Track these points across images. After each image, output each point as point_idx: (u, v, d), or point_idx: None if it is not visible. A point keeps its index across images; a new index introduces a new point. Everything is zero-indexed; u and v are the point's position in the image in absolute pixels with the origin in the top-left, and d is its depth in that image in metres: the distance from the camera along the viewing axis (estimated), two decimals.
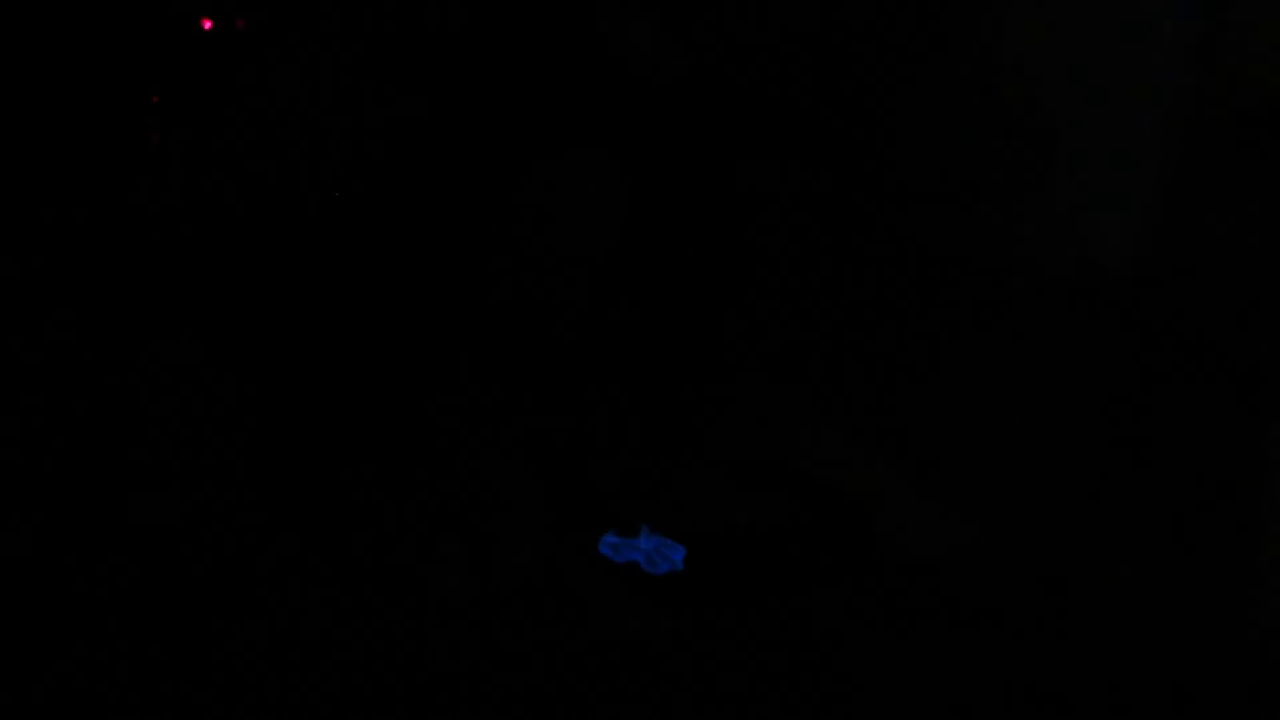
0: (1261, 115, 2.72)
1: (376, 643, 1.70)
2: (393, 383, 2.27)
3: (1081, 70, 2.92)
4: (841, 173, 3.25)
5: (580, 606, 1.78)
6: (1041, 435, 2.34)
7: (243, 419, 2.19)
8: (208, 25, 2.67)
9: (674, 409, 2.09)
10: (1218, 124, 2.78)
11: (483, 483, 2.00)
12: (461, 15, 2.21)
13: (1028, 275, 2.93)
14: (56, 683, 1.60)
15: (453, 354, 2.25)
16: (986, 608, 1.87)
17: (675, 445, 2.09)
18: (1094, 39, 2.91)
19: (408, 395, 2.23)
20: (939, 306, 2.83)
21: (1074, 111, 2.94)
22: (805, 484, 2.08)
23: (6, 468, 2.03)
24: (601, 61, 2.07)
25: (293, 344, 2.43)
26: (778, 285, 2.81)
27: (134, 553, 1.84)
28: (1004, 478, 2.18)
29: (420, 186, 2.25)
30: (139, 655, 1.66)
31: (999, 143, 3.02)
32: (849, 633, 1.80)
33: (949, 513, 2.05)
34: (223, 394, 2.27)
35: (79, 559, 1.83)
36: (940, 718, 1.65)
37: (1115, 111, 2.89)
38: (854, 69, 3.24)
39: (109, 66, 2.65)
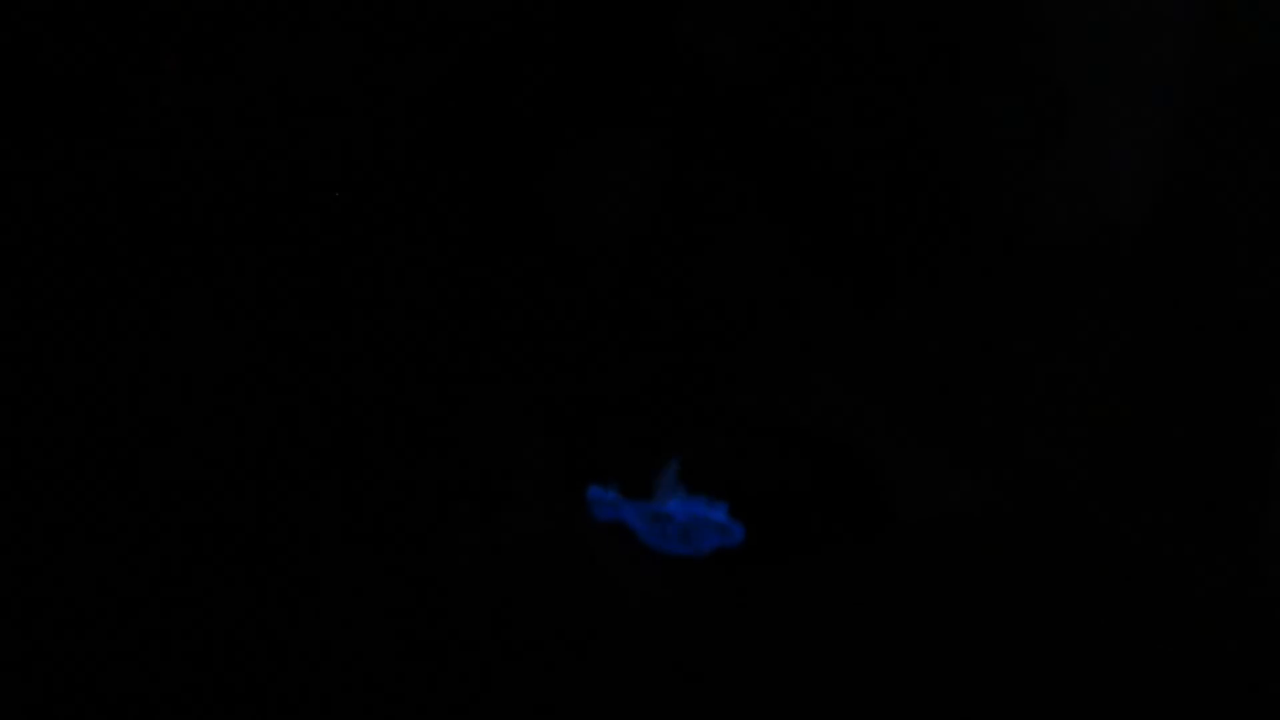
0: (1275, 73, 2.69)
1: (387, 609, 1.71)
2: (405, 349, 2.28)
3: (1093, 28, 2.90)
4: (853, 135, 3.24)
5: (592, 572, 1.80)
6: (1055, 396, 2.34)
7: (255, 383, 2.21)
8: None
9: (687, 367, 2.09)
10: (1231, 81, 2.75)
11: (493, 447, 2.01)
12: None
13: (1041, 235, 2.92)
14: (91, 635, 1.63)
15: (468, 318, 2.26)
16: (996, 569, 1.87)
17: (688, 404, 2.10)
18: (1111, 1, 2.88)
19: (420, 361, 2.24)
20: (951, 266, 2.82)
21: (1086, 70, 2.92)
22: (813, 444, 2.09)
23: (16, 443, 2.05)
24: (677, 59, 2.08)
25: (306, 307, 2.44)
26: (788, 243, 2.81)
27: (148, 513, 1.86)
28: (1016, 439, 2.18)
29: (442, 153, 2.25)
30: (152, 614, 1.68)
31: (1011, 102, 3.00)
32: (858, 595, 1.80)
33: (959, 474, 2.05)
34: (234, 359, 2.29)
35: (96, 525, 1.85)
36: (949, 682, 1.66)
37: (1127, 69, 2.87)
38: (865, 35, 3.22)
39: (126, 28, 2.65)
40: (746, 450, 2.01)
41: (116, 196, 2.62)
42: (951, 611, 1.76)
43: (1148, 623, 1.75)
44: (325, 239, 2.61)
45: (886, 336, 2.51)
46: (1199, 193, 2.84)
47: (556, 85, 2.03)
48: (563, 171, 2.05)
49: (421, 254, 2.34)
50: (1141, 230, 2.93)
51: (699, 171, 2.25)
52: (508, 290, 2.19)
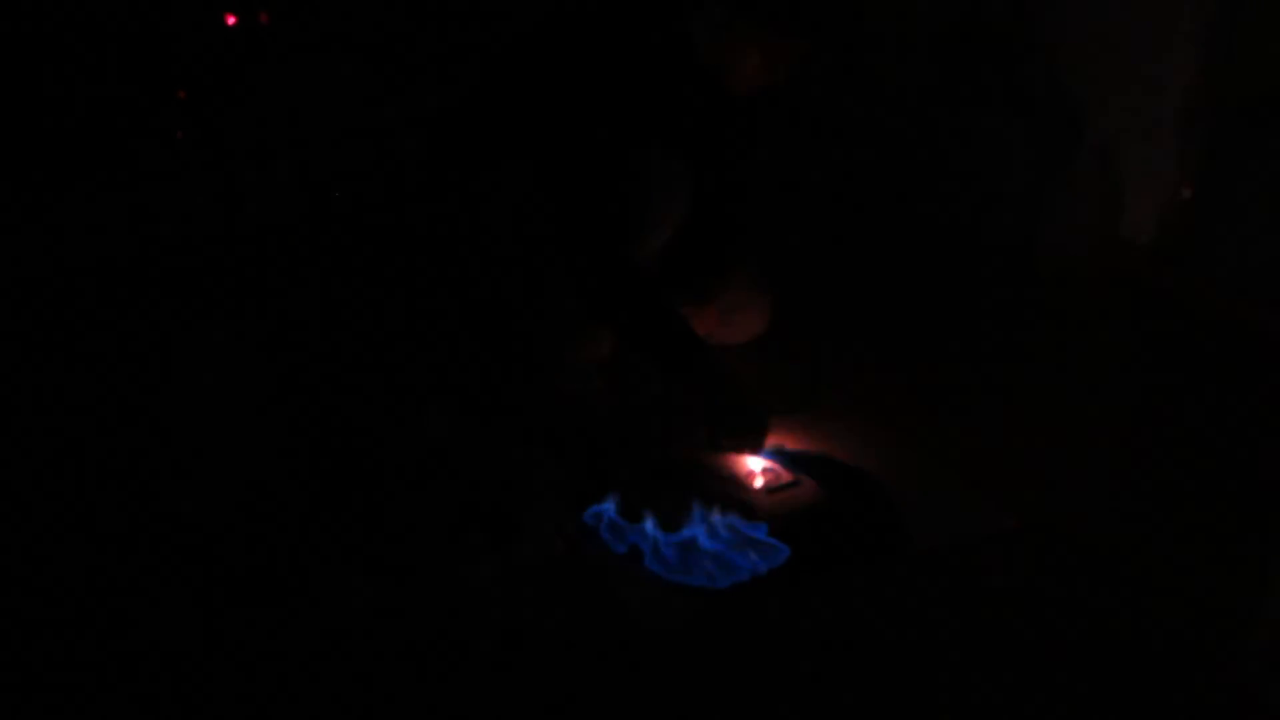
0: None
1: (401, 629, 1.71)
2: (416, 373, 2.29)
3: (1105, 55, 2.91)
4: (869, 161, 3.26)
5: (601, 593, 1.79)
6: (1068, 418, 2.34)
7: (269, 409, 2.21)
8: (232, 20, 2.70)
9: (700, 393, 2.09)
10: (1239, 105, 2.76)
11: (505, 471, 2.01)
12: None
13: (1054, 260, 2.93)
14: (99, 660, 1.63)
15: (477, 345, 2.26)
16: (1010, 594, 1.87)
17: (700, 431, 2.10)
18: (1116, 24, 2.89)
19: (431, 385, 2.25)
20: (966, 291, 2.83)
21: (1098, 96, 2.93)
22: (831, 471, 2.08)
23: (33, 462, 2.06)
24: (693, 70, 2.10)
25: (319, 335, 2.45)
26: (805, 271, 2.82)
27: (166, 538, 1.87)
28: (1030, 463, 2.18)
29: (437, 181, 2.26)
30: (171, 633, 1.69)
31: (1024, 129, 3.01)
32: (873, 619, 1.80)
33: (973, 499, 2.05)
34: (249, 385, 2.29)
35: (109, 549, 1.86)
36: (962, 703, 1.65)
37: (1139, 95, 2.88)
38: (883, 60, 3.24)
39: (135, 62, 2.67)
40: (761, 478, 2.00)
41: (137, 227, 2.64)
42: (962, 632, 1.76)
43: (1154, 640, 1.75)
44: (343, 268, 2.61)
45: (897, 359, 2.51)
46: (1209, 211, 2.84)
47: (579, 105, 2.05)
48: (594, 193, 2.06)
49: (435, 285, 2.34)
50: (1151, 250, 2.93)
51: (721, 188, 2.26)
52: (516, 317, 2.20)
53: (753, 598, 1.81)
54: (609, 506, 1.88)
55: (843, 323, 2.66)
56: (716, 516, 1.86)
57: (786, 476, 1.99)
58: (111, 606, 1.74)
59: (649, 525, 1.85)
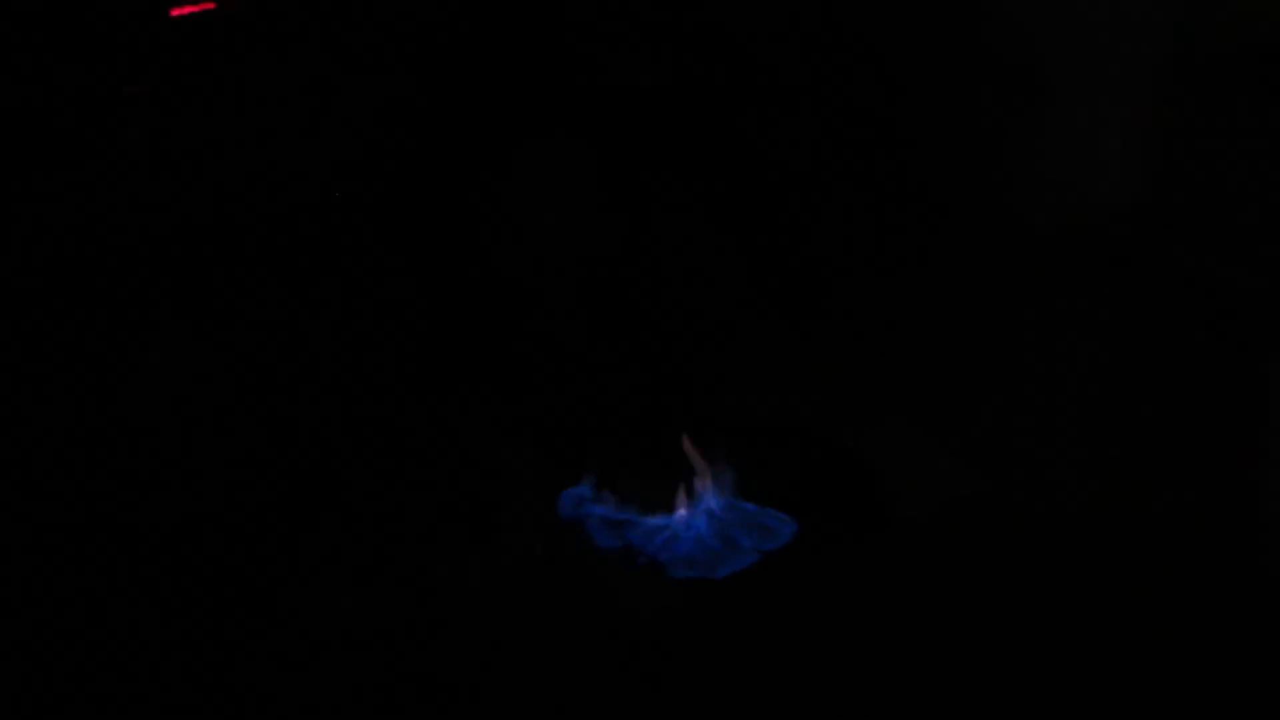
0: (1254, 52, 2.69)
1: (384, 627, 1.71)
2: (395, 371, 2.27)
3: (1071, 9, 2.89)
4: (832, 124, 3.24)
5: (584, 585, 1.79)
6: (1043, 382, 2.34)
7: (248, 408, 2.19)
8: (176, 13, 2.65)
9: (677, 376, 2.09)
10: (1210, 61, 2.75)
11: (485, 467, 2.01)
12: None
13: (1022, 219, 2.92)
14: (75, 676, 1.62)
15: (453, 342, 2.25)
16: (992, 559, 1.87)
17: (681, 413, 2.09)
18: None
19: (409, 383, 2.23)
20: (935, 256, 2.82)
21: (1064, 52, 2.91)
22: (811, 443, 2.09)
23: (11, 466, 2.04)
24: (575, 65, 2.10)
25: (292, 334, 2.43)
26: (775, 243, 2.80)
27: (152, 540, 1.86)
28: (1007, 428, 2.18)
29: (407, 171, 2.24)
30: (157, 639, 1.68)
31: (989, 85, 3.00)
32: (858, 586, 1.80)
33: (953, 465, 2.05)
34: (225, 386, 2.27)
35: (85, 557, 1.84)
36: (948, 671, 1.66)
37: (1106, 51, 2.86)
38: (841, 14, 3.21)
39: (88, 58, 2.64)
40: (747, 453, 1.99)
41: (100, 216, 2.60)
42: (950, 602, 1.76)
43: (1143, 608, 1.76)
44: (306, 262, 2.59)
45: (876, 330, 2.50)
46: (1182, 176, 2.84)
47: (482, 102, 2.06)
48: (508, 184, 2.06)
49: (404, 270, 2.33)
50: (1127, 216, 2.93)
51: (640, 175, 2.26)
52: (491, 311, 2.19)
53: (747, 581, 1.80)
54: (593, 498, 1.87)
55: (830, 296, 2.65)
56: (713, 499, 1.86)
57: None
58: (86, 614, 1.73)
59: (644, 516, 1.84)
